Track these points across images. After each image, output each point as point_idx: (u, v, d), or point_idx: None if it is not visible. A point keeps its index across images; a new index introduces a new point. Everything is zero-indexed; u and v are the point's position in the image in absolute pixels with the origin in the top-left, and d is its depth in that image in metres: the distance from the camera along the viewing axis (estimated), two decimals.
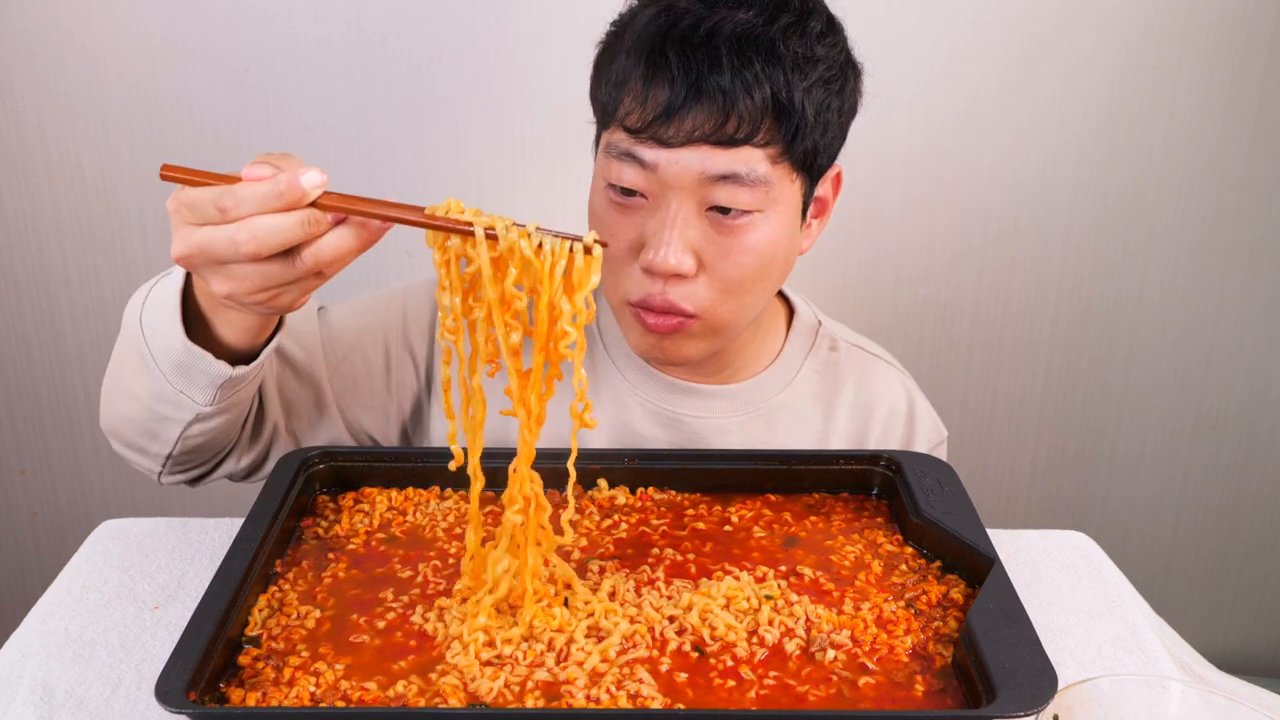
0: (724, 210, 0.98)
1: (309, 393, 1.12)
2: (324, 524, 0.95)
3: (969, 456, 1.95)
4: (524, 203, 1.74)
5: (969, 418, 1.93)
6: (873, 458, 1.01)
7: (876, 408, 1.19)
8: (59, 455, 1.93)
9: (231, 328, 0.92)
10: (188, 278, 0.92)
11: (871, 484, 1.01)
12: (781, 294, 1.21)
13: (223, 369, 0.93)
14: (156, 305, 0.93)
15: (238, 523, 0.90)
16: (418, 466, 1.01)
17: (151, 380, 0.95)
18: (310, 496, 0.99)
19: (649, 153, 0.96)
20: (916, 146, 1.74)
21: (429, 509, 0.98)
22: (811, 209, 1.06)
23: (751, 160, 0.96)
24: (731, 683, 0.76)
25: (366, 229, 0.78)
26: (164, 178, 0.78)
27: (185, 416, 0.96)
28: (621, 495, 1.00)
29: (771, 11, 0.96)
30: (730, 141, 0.95)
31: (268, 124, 1.70)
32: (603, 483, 1.00)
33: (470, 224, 0.76)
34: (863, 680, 0.77)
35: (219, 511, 1.09)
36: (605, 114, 1.01)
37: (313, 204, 0.76)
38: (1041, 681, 0.71)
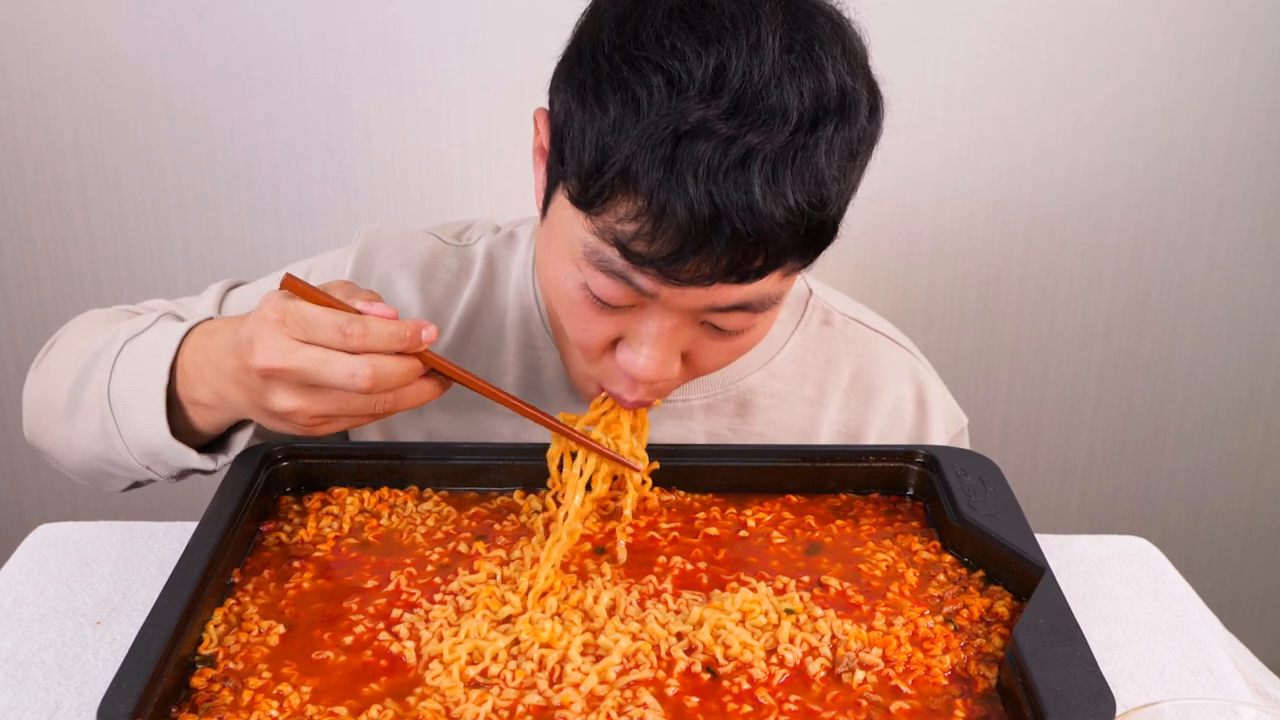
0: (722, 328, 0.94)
1: None
2: (287, 528, 0.95)
3: (1015, 452, 1.95)
4: (512, 144, 1.73)
5: (1015, 408, 1.92)
6: (907, 453, 1.01)
7: (878, 395, 1.16)
8: None
9: (208, 424, 0.99)
10: (171, 372, 0.98)
11: (905, 483, 1.01)
12: None
13: (194, 460, 1.00)
14: (132, 392, 0.99)
15: (190, 527, 0.90)
16: (394, 464, 1.01)
17: (114, 452, 1.02)
18: (272, 497, 0.99)
19: (649, 284, 0.88)
20: (957, 112, 1.73)
21: (406, 511, 0.98)
22: None
23: (767, 285, 0.89)
24: (748, 708, 0.76)
25: (445, 386, 0.90)
26: (285, 287, 0.87)
27: (139, 479, 1.06)
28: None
29: (814, 117, 0.84)
30: (753, 275, 0.87)
31: (224, 76, 1.69)
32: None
33: (593, 441, 0.94)
34: (895, 705, 0.77)
35: (169, 514, 1.09)
36: (582, 192, 0.87)
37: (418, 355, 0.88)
38: (1098, 706, 0.71)
